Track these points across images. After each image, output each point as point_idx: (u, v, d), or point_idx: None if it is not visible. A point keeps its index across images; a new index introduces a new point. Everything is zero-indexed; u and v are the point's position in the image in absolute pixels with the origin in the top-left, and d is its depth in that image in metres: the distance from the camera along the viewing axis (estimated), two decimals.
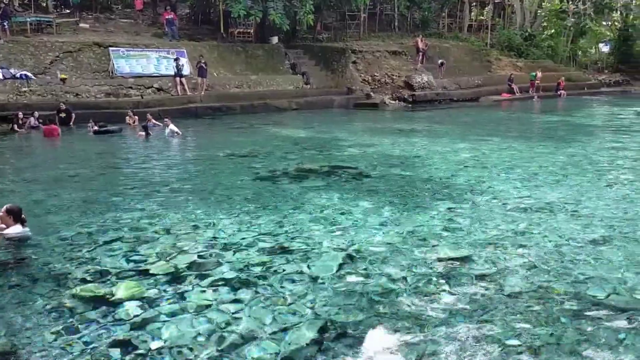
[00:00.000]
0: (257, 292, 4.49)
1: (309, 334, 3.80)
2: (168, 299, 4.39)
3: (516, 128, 17.64)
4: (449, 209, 7.06)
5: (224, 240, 5.84)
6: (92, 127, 16.09)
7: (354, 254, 5.37)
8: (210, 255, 5.40)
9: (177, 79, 21.11)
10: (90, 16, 27.03)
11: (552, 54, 35.73)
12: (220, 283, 4.69)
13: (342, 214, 6.90)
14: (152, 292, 4.50)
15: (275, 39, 26.76)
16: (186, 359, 3.52)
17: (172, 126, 15.31)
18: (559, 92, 30.27)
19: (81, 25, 24.91)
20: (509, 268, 4.98)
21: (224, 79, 23.36)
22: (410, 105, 25.49)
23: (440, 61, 28.06)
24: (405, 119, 21.39)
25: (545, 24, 38.10)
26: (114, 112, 18.50)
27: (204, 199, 7.76)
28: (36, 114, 16.74)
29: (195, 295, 4.44)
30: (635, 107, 24.93)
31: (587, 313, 4.09)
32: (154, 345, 3.68)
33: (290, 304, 4.26)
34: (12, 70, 18.75)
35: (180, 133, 15.26)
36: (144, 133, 15.18)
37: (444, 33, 34.02)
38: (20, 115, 16.44)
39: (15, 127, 16.12)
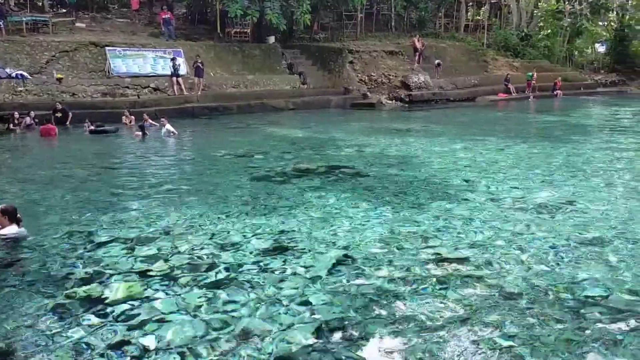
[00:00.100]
0: (253, 293, 4.48)
1: (305, 334, 3.79)
2: (165, 299, 4.37)
3: (513, 128, 17.66)
4: (446, 209, 7.06)
5: (221, 241, 5.83)
6: (88, 127, 16.05)
7: (351, 255, 5.36)
8: (207, 255, 5.38)
9: (174, 78, 21.08)
10: (86, 16, 26.96)
11: (548, 54, 35.85)
12: (217, 283, 4.68)
13: (339, 214, 6.90)
14: (149, 293, 4.49)
15: (272, 39, 26.75)
16: None
17: (168, 126, 15.28)
18: (555, 92, 30.37)
19: (77, 24, 24.84)
20: (506, 269, 4.98)
21: (220, 79, 23.33)
22: (407, 105, 25.53)
23: (437, 61, 28.10)
24: (402, 118, 21.40)
25: (541, 24, 38.21)
26: (110, 112, 18.47)
27: (201, 199, 7.74)
28: (32, 113, 16.69)
29: (192, 296, 4.43)
30: (631, 107, 25.01)
31: (586, 314, 4.09)
32: (152, 346, 3.66)
33: (286, 305, 4.25)
34: (7, 70, 18.69)
35: (177, 133, 15.23)
36: (140, 133, 15.15)
37: (440, 33, 34.09)
38: (16, 115, 16.39)
39: (11, 126, 16.07)
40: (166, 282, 4.70)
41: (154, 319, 4.03)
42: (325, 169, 9.99)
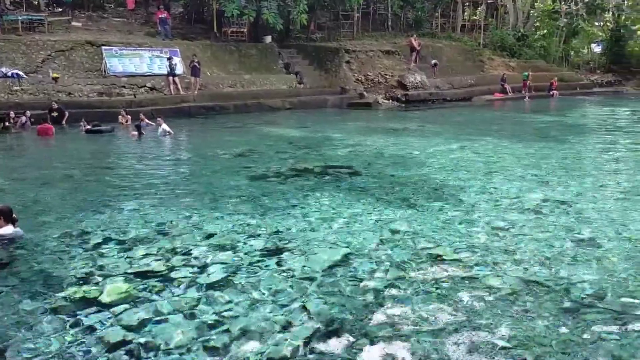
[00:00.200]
0: (250, 293, 4.47)
1: (302, 335, 3.78)
2: (162, 300, 4.36)
3: (509, 128, 17.70)
4: (442, 209, 7.06)
5: (217, 241, 5.81)
6: (84, 127, 16.01)
7: (348, 255, 5.36)
8: (204, 255, 5.37)
9: (170, 78, 21.04)
10: (82, 15, 26.87)
11: (544, 54, 35.92)
12: (213, 284, 4.67)
13: (336, 213, 6.89)
14: (145, 294, 4.47)
15: (268, 39, 26.73)
16: None
17: (164, 126, 15.26)
18: (551, 92, 30.45)
19: (73, 23, 24.78)
20: (503, 269, 4.99)
21: (217, 79, 23.31)
22: (403, 104, 25.56)
23: (433, 62, 28.13)
24: (399, 118, 21.42)
25: (537, 24, 38.27)
26: (106, 112, 18.44)
27: (197, 199, 7.73)
28: (28, 113, 16.65)
29: (189, 296, 4.42)
30: (627, 107, 25.09)
31: (583, 315, 4.10)
32: (148, 346, 3.65)
33: (283, 305, 4.25)
34: (3, 69, 18.63)
35: (173, 133, 15.21)
36: (136, 132, 15.12)
37: (437, 33, 34.10)
38: (12, 114, 16.33)
39: (7, 124, 16.01)
40: (162, 283, 4.69)
41: (150, 319, 4.02)
42: (321, 169, 9.98)
